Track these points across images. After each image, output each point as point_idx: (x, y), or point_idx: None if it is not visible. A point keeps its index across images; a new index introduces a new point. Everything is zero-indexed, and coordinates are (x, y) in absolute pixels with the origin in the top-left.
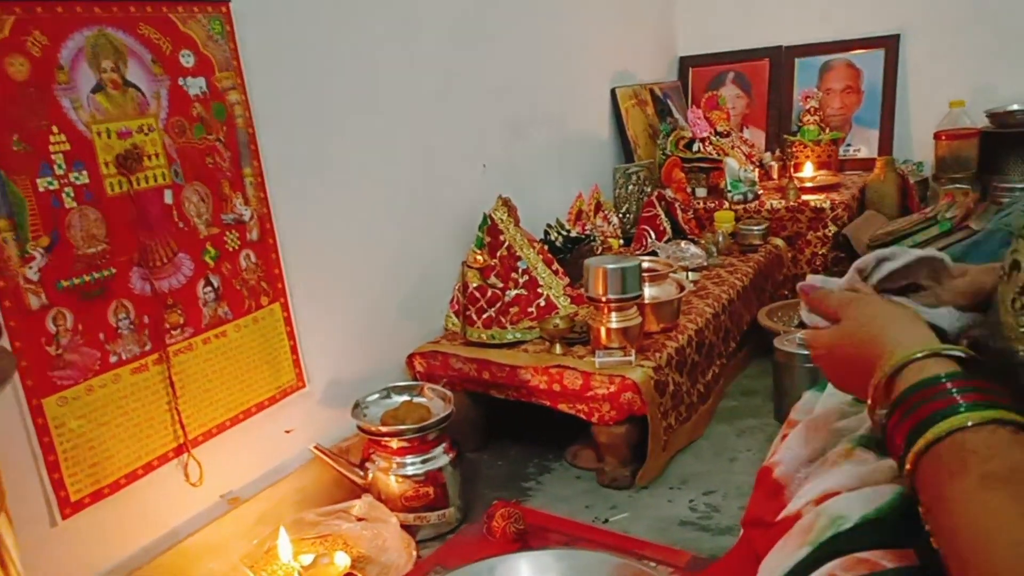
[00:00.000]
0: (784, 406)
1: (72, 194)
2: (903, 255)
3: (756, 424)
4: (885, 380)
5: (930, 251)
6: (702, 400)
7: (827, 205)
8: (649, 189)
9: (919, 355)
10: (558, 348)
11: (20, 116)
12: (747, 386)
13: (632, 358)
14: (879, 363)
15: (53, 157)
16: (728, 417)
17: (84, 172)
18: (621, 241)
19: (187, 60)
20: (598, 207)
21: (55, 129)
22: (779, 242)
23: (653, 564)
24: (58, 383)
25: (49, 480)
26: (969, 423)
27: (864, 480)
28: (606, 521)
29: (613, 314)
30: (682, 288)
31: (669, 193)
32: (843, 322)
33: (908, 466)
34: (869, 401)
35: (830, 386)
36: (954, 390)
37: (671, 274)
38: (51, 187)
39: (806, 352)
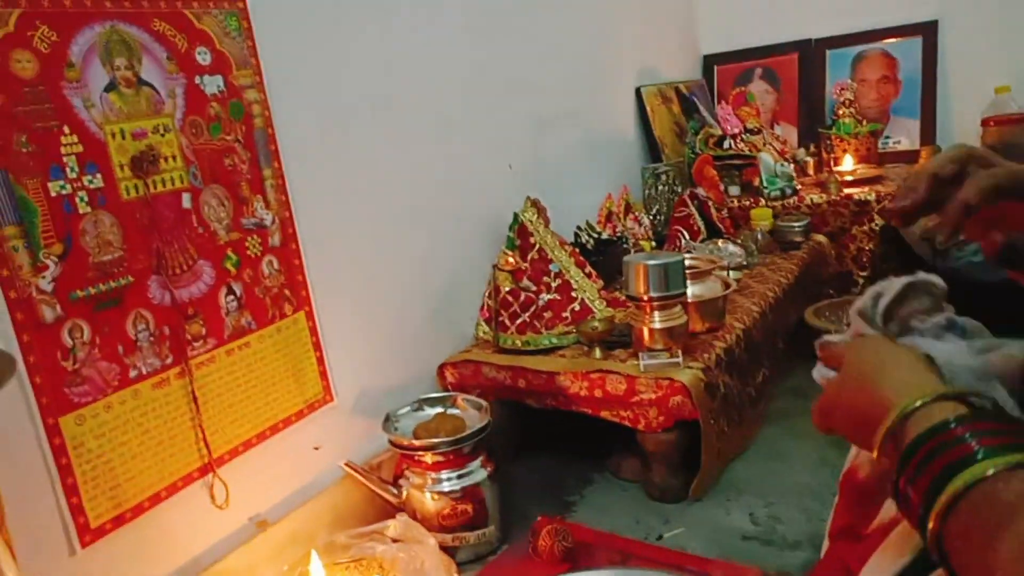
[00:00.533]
0: None
1: (86, 198)
2: (892, 285)
3: (810, 426)
4: (891, 433)
5: (920, 275)
6: (753, 403)
7: (872, 198)
8: (680, 188)
9: (920, 402)
10: (598, 352)
11: (28, 116)
12: (797, 386)
13: (679, 359)
14: (882, 415)
15: (65, 159)
16: (780, 420)
17: (98, 175)
18: (653, 243)
19: (203, 57)
20: (628, 208)
21: (66, 130)
22: (822, 238)
23: None
24: (75, 400)
25: (67, 505)
26: (991, 471)
27: None
28: (660, 537)
29: (656, 313)
30: (727, 285)
31: (701, 192)
32: (842, 369)
33: (932, 524)
34: (875, 455)
35: None
36: (967, 435)
37: (714, 271)
38: (63, 191)
39: None
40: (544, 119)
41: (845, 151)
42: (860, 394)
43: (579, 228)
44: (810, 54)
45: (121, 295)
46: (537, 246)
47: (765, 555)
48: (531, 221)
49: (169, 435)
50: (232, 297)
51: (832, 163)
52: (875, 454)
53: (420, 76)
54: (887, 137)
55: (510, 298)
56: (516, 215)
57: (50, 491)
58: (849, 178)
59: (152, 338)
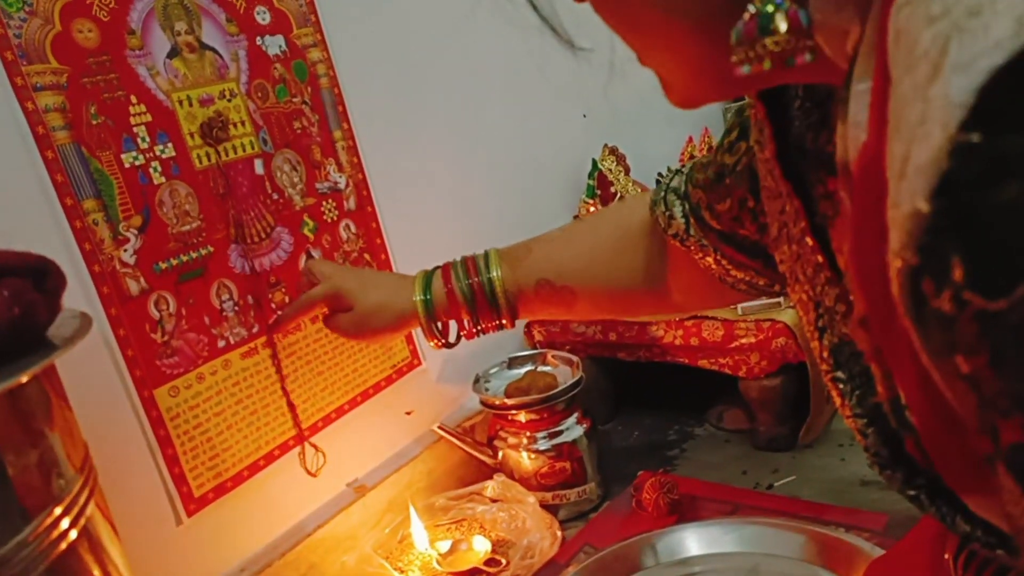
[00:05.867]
0: None
1: (159, 168)
2: None
3: None
4: None
5: None
6: None
7: None
8: None
9: None
10: None
11: (96, 87)
12: None
13: (780, 299)
14: None
15: (135, 130)
16: None
17: (169, 144)
18: None
19: (263, 17)
20: (711, 151)
21: (134, 99)
22: None
23: (843, 529)
24: (167, 372)
25: (170, 475)
26: None
27: None
28: (771, 487)
29: None
30: None
31: None
32: None
33: None
34: None
35: None
36: None
37: None
38: (137, 162)
39: None
40: (616, 63)
41: None
42: None
43: (660, 175)
44: None
45: (203, 265)
46: (618, 195)
47: (887, 500)
48: (611, 170)
49: (263, 404)
50: None
51: None
52: None
53: (490, 25)
54: None
55: None
56: (594, 162)
57: (151, 464)
58: None
59: (237, 308)
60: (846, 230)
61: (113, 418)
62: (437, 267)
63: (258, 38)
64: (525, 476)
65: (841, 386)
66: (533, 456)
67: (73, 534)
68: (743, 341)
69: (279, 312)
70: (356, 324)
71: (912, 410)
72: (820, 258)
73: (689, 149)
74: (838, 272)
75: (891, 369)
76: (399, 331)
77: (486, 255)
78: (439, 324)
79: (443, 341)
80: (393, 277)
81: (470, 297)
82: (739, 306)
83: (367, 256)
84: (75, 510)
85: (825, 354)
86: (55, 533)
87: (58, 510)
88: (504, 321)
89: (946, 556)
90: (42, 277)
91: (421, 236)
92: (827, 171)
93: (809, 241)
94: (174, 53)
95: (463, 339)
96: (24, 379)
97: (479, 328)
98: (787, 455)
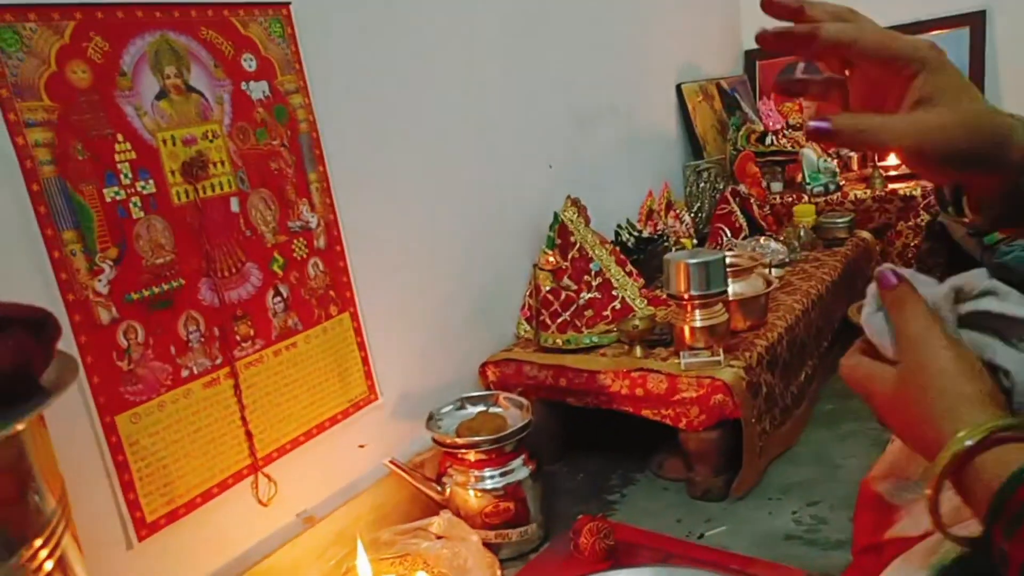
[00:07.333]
0: None
1: (139, 204)
2: (1015, 307)
3: (857, 428)
4: (946, 472)
5: (995, 282)
6: (796, 403)
7: (918, 192)
8: (721, 185)
9: (970, 442)
10: (638, 351)
11: (84, 124)
12: (843, 388)
13: (720, 358)
14: (935, 442)
15: (119, 166)
16: (826, 421)
17: (150, 181)
18: (695, 240)
19: (249, 64)
20: (669, 206)
21: (120, 137)
22: (866, 234)
23: None
24: (130, 399)
25: (124, 500)
26: None
27: None
28: (701, 536)
29: (697, 312)
30: (769, 283)
31: (743, 189)
32: (901, 369)
33: None
34: (929, 492)
35: None
36: None
37: (756, 269)
38: (118, 197)
39: None
40: (584, 117)
41: None
42: (916, 408)
43: (620, 226)
44: None
45: (173, 297)
46: (578, 245)
47: (808, 555)
48: (571, 220)
49: (219, 433)
50: (279, 298)
51: (876, 157)
52: (929, 492)
53: (460, 76)
54: None
55: (551, 297)
56: (556, 214)
57: (108, 487)
58: (894, 173)
59: (203, 339)
60: None
61: (74, 441)
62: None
63: (243, 83)
64: (471, 514)
65: None
66: (479, 494)
67: (49, 564)
68: (685, 395)
69: None
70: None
71: None
72: None
73: (648, 203)
74: None
75: None
76: (990, 163)
77: None
78: None
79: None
80: None
81: None
82: (682, 362)
83: (332, 294)
84: (52, 542)
85: None
86: (34, 564)
87: (38, 542)
88: None
89: None
90: (40, 328)
91: (386, 276)
92: None
93: None
94: (162, 95)
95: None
96: (20, 427)
97: None
98: (720, 505)
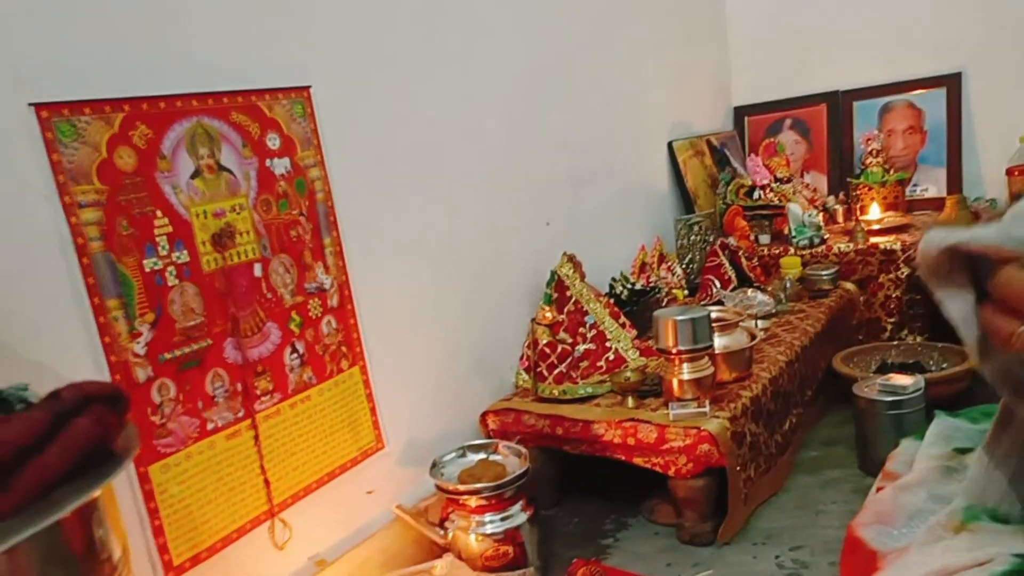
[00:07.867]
0: (868, 455)
1: (174, 272)
2: None
3: (840, 475)
4: None
5: None
6: (781, 451)
7: (897, 247)
8: (712, 238)
9: None
10: (630, 402)
11: (128, 204)
12: (828, 435)
13: (707, 409)
14: None
15: (158, 239)
16: (810, 468)
17: (184, 251)
18: (686, 291)
19: (273, 142)
20: (661, 259)
21: (159, 213)
22: (850, 286)
23: None
24: (162, 451)
25: (155, 544)
26: None
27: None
28: None
29: (685, 365)
30: (753, 336)
31: (732, 241)
32: None
33: None
34: None
35: (928, 436)
36: None
37: (741, 323)
38: (156, 267)
39: (888, 399)
40: (580, 176)
41: (872, 200)
42: None
43: (614, 279)
44: (838, 105)
45: (202, 356)
46: (573, 299)
47: None
48: (568, 275)
49: (240, 481)
50: (295, 355)
51: (859, 212)
52: None
53: (463, 144)
54: (915, 185)
55: (548, 350)
56: (553, 273)
57: (140, 532)
58: (876, 227)
59: (227, 394)
60: None
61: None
62: None
63: (268, 160)
64: (472, 557)
65: None
66: (480, 538)
67: None
68: (673, 444)
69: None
70: None
71: None
72: None
73: (641, 256)
74: None
75: None
76: None
77: None
78: None
79: None
80: None
81: None
82: (671, 413)
83: (344, 349)
84: None
85: None
86: None
87: None
88: None
89: None
90: (115, 402)
91: (394, 331)
92: None
93: None
94: (196, 174)
95: None
96: (97, 493)
97: None
98: (707, 550)
